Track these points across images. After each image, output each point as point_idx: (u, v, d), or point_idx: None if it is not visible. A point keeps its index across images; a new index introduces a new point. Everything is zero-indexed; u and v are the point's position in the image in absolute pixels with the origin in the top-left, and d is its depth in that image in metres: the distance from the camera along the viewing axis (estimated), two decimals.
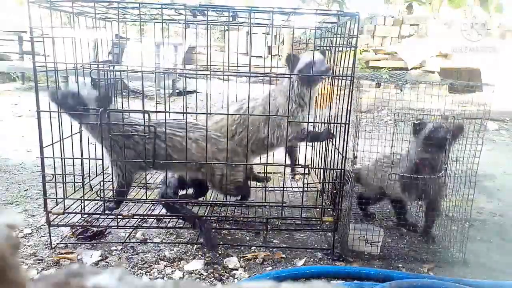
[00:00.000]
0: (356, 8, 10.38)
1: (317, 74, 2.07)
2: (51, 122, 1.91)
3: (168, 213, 2.13)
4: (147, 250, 2.00)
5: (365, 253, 2.01)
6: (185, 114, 1.97)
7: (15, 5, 9.84)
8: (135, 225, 2.12)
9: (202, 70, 2.06)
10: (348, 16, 1.90)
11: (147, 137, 1.96)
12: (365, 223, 2.12)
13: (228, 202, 2.29)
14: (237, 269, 1.86)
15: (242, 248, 2.06)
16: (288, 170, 2.63)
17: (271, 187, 2.57)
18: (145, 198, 2.04)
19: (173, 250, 2.02)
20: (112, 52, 2.96)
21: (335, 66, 2.17)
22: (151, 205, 2.30)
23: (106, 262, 1.90)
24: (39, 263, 1.85)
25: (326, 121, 2.24)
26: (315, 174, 2.80)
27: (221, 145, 2.09)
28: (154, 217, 2.19)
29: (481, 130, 1.88)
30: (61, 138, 1.97)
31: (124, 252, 1.98)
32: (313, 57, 2.00)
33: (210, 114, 2.02)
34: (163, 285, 0.41)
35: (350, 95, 1.89)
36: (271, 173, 2.50)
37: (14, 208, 2.42)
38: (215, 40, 10.47)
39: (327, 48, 2.36)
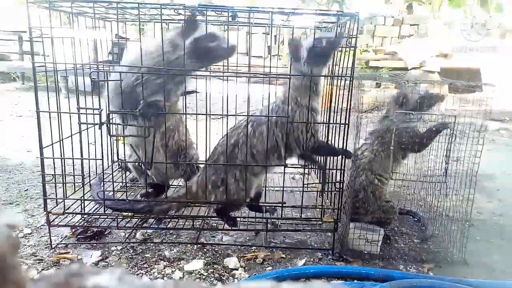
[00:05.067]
0: (356, 8, 10.38)
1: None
2: (50, 122, 1.91)
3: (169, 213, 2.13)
4: (147, 250, 2.00)
5: (365, 252, 2.01)
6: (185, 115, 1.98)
7: (15, 5, 9.83)
8: (135, 225, 2.12)
9: (202, 70, 2.06)
10: (348, 16, 1.90)
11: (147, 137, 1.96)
12: (365, 223, 2.11)
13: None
14: (237, 269, 1.86)
15: (242, 248, 2.06)
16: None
17: (271, 187, 2.56)
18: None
19: (173, 250, 2.02)
20: (112, 52, 2.96)
21: (334, 66, 2.17)
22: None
23: (106, 262, 1.90)
24: (39, 263, 1.85)
25: (326, 121, 2.24)
26: (315, 174, 2.80)
27: None
28: (154, 217, 2.19)
29: (481, 130, 1.88)
30: (61, 139, 1.97)
31: (124, 252, 1.98)
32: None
33: (210, 114, 2.02)
34: (163, 285, 0.41)
35: (350, 95, 1.89)
36: (270, 173, 2.50)
37: (14, 208, 2.42)
38: None
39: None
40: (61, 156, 1.96)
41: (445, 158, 1.98)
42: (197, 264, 1.88)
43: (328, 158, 2.24)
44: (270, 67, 2.08)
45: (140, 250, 2.00)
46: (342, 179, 1.99)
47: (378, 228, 2.06)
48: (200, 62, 1.95)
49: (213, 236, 2.18)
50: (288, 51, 1.93)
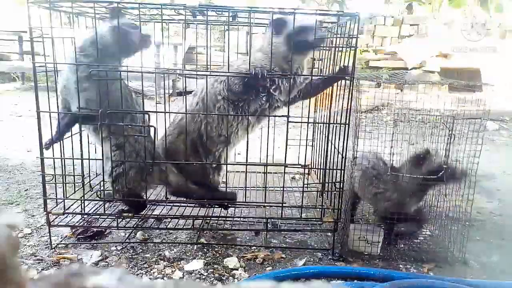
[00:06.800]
0: (356, 8, 10.38)
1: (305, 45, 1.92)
2: (50, 122, 1.91)
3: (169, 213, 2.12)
4: (147, 250, 2.00)
5: (365, 253, 2.01)
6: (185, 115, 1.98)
7: (15, 5, 9.83)
8: (135, 225, 2.12)
9: (202, 70, 2.06)
10: (348, 16, 1.90)
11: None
12: (365, 223, 2.12)
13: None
14: (237, 269, 1.86)
15: (242, 248, 2.06)
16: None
17: (271, 187, 2.56)
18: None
19: (173, 250, 2.02)
20: None
21: (335, 66, 2.17)
22: (151, 205, 2.30)
23: (106, 262, 1.90)
24: (39, 263, 1.85)
25: (326, 121, 2.24)
26: (315, 174, 2.80)
27: None
28: (154, 217, 2.20)
29: (481, 130, 1.88)
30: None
31: (124, 252, 1.98)
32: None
33: (210, 114, 2.02)
34: (163, 285, 0.41)
35: (350, 95, 1.90)
36: (270, 172, 2.50)
37: (14, 208, 2.42)
38: (215, 40, 10.45)
39: (327, 48, 2.36)
40: (61, 156, 1.96)
41: (444, 158, 1.98)
42: (197, 264, 1.88)
43: (328, 159, 2.24)
44: (270, 67, 2.08)
45: (140, 250, 2.00)
46: (342, 179, 1.99)
47: (378, 228, 2.06)
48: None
49: (213, 236, 2.18)
50: (270, 24, 1.96)
